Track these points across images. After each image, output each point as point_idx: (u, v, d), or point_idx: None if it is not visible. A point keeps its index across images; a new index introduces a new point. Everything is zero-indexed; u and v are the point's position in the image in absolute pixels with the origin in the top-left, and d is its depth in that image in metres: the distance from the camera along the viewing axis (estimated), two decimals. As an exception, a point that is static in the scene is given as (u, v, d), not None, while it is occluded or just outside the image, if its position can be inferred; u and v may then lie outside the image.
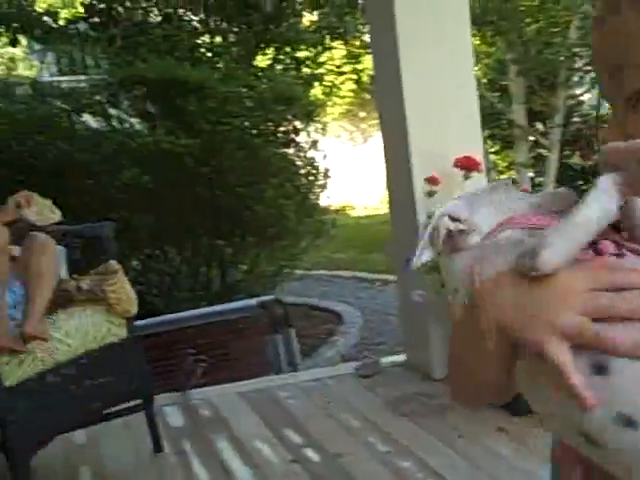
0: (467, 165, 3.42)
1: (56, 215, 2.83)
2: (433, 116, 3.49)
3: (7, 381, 2.39)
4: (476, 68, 10.39)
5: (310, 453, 2.89)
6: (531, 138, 9.79)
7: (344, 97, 14.31)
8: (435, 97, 3.49)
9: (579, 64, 8.98)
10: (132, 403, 2.89)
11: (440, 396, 3.35)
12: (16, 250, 2.71)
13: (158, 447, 2.93)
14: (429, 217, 0.72)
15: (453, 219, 0.74)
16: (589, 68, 8.81)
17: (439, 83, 3.49)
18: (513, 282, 0.66)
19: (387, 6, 3.43)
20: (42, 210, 2.81)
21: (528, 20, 9.63)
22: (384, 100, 3.78)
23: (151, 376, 2.93)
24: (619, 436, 0.61)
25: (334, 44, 9.39)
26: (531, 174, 10.08)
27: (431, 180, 3.43)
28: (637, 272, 0.65)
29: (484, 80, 10.13)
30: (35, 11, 8.57)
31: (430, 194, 3.43)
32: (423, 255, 0.75)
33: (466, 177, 3.42)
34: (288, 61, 8.79)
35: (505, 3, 9.19)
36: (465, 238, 0.74)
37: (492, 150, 10.94)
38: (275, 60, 8.85)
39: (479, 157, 3.50)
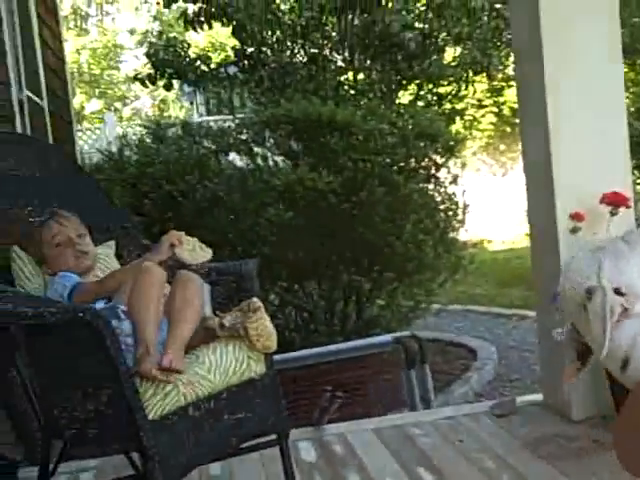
0: (615, 201, 3.32)
1: (207, 253, 2.92)
2: (579, 149, 3.42)
3: (151, 414, 2.48)
4: (624, 97, 10.10)
5: (442, 493, 2.87)
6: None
7: (484, 130, 14.19)
8: (582, 129, 3.43)
9: None
10: (267, 438, 2.95)
11: (579, 439, 3.25)
12: (167, 289, 2.82)
13: (290, 481, 2.98)
14: (588, 293, 0.71)
15: (618, 293, 0.75)
16: None
17: (586, 115, 3.43)
18: None
19: (534, 37, 3.40)
20: (194, 248, 2.90)
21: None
22: (528, 132, 3.74)
23: (286, 412, 2.98)
24: None
25: (476, 78, 9.35)
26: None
27: (575, 216, 3.35)
28: None
29: (632, 109, 9.81)
30: (189, 56, 9.02)
31: (574, 230, 3.36)
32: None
33: (613, 213, 3.33)
34: (429, 97, 8.83)
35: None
36: (631, 308, 0.74)
37: (639, 182, 10.53)
38: (417, 96, 8.91)
39: (628, 192, 3.40)
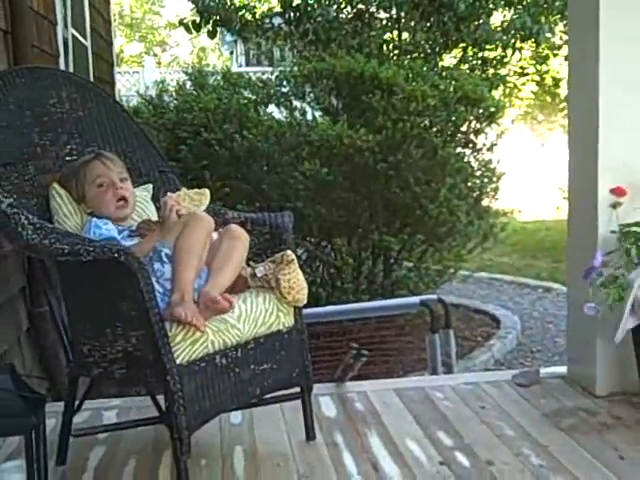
0: (660, 178, 3.29)
1: (205, 197, 2.93)
2: (628, 124, 3.36)
3: (179, 358, 2.51)
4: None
5: (460, 457, 2.88)
6: None
7: (524, 99, 14.01)
8: (633, 104, 3.36)
9: None
10: (290, 390, 2.97)
11: (602, 414, 3.25)
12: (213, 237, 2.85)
13: (311, 436, 3.00)
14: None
15: None
16: None
17: (638, 89, 3.36)
18: None
19: (591, 6, 3.33)
20: (192, 200, 2.92)
21: None
22: (576, 103, 3.66)
23: (311, 366, 3.00)
24: None
25: (523, 45, 9.19)
26: None
27: (617, 191, 3.31)
28: None
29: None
30: (234, 4, 8.95)
31: (615, 206, 3.32)
32: (628, 323, 0.77)
33: (656, 191, 3.29)
34: (474, 61, 8.71)
35: None
36: None
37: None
38: (461, 60, 8.79)
39: (675, 170, 3.35)
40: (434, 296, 4.79)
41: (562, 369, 3.78)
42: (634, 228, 3.26)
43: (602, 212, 3.37)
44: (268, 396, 2.92)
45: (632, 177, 3.31)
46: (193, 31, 9.03)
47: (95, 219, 2.80)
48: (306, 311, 3.10)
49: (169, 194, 2.94)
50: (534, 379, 3.65)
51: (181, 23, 9.13)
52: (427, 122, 5.89)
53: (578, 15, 3.61)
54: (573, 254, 3.70)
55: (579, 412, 3.28)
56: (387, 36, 8.67)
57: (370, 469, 2.79)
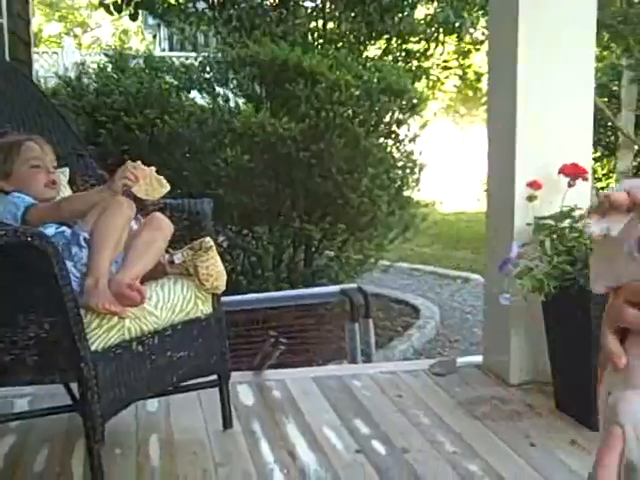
0: (574, 173, 3.36)
1: (164, 188, 2.85)
2: (544, 119, 3.43)
3: (94, 345, 2.46)
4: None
5: (377, 445, 2.91)
6: (636, 147, 9.54)
7: (446, 92, 14.23)
8: (549, 100, 3.43)
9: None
10: (208, 378, 2.95)
11: (514, 402, 3.32)
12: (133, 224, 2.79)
13: (227, 424, 2.99)
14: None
15: None
16: None
17: (555, 86, 3.43)
18: None
19: (511, 3, 3.38)
20: (151, 183, 2.82)
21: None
22: (495, 98, 3.72)
23: (229, 354, 2.98)
24: None
25: (446, 39, 9.31)
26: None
27: (533, 184, 3.39)
28: None
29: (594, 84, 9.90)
30: (157, -13, 8.80)
31: (530, 199, 3.40)
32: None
33: (570, 185, 3.37)
34: (398, 53, 8.77)
35: (629, 7, 8.95)
36: None
37: (593, 156, 10.70)
38: (385, 51, 8.84)
39: (587, 165, 3.43)
40: (354, 285, 4.81)
41: (478, 358, 3.85)
42: (548, 221, 3.33)
43: (518, 205, 3.44)
44: (185, 384, 2.90)
45: (547, 171, 3.39)
46: (114, 13, 8.84)
47: (15, 193, 2.74)
48: (226, 299, 3.09)
49: (134, 163, 2.78)
50: (450, 368, 3.70)
51: (101, 4, 8.92)
52: (350, 112, 5.90)
53: (498, 11, 3.67)
54: (491, 245, 3.77)
55: (493, 400, 3.35)
56: (312, 25, 8.66)
57: (287, 457, 2.79)
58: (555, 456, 2.81)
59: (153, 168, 2.82)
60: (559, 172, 3.38)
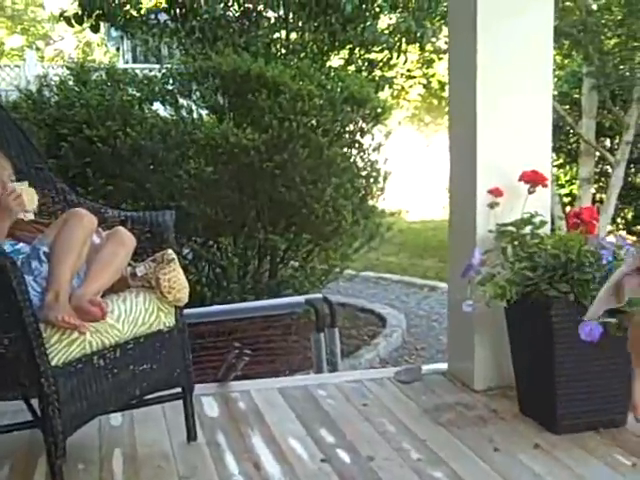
0: (533, 179, 3.40)
1: (33, 195, 2.82)
2: (505, 127, 3.47)
3: (54, 360, 2.44)
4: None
5: (342, 454, 2.91)
6: (597, 154, 9.66)
7: (411, 101, 14.32)
8: (509, 108, 3.47)
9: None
10: (172, 391, 2.94)
11: (479, 408, 3.34)
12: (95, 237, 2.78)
13: (192, 436, 2.97)
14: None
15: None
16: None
17: (515, 94, 3.47)
18: None
19: (470, 12, 3.41)
20: (27, 194, 2.79)
21: (609, 34, 9.49)
22: (456, 106, 3.76)
23: (192, 366, 2.97)
24: None
25: (409, 48, 9.36)
26: (593, 190, 9.93)
27: (494, 192, 3.42)
28: None
29: (555, 92, 10.02)
30: (119, -1, 8.74)
31: (492, 206, 3.43)
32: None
33: (530, 192, 3.41)
34: (361, 62, 8.80)
35: (588, 16, 9.08)
36: None
37: (556, 163, 10.82)
38: (348, 61, 8.87)
39: (546, 172, 3.47)
40: (319, 295, 4.81)
41: (443, 366, 3.87)
42: (510, 227, 3.37)
43: (480, 212, 3.47)
44: (149, 397, 2.88)
45: (509, 178, 3.42)
46: (75, 24, 8.76)
47: None
48: (191, 311, 3.08)
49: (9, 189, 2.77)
50: (416, 376, 3.72)
51: (62, 16, 8.85)
52: (314, 122, 5.91)
53: (457, 21, 3.70)
54: (454, 253, 3.80)
55: (458, 407, 3.36)
56: (275, 36, 8.66)
57: (251, 468, 2.78)
58: (518, 460, 2.83)
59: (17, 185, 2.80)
60: (519, 179, 3.42)
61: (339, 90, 6.16)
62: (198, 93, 6.39)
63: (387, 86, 9.15)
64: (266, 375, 4.24)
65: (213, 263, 6.15)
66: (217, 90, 6.27)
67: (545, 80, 3.56)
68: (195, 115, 6.26)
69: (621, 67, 9.19)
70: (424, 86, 14.04)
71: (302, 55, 8.32)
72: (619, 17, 9.29)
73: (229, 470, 2.77)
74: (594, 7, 9.36)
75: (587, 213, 3.43)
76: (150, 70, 8.00)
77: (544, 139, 3.58)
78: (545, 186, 3.46)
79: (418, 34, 8.77)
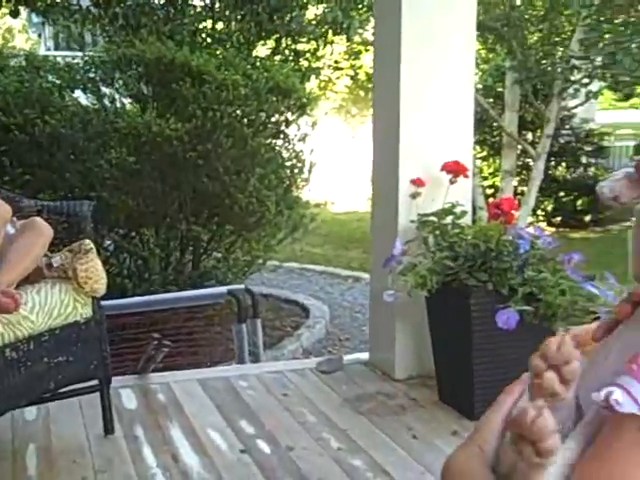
0: (455, 170, 3.44)
1: None
2: (427, 118, 3.50)
3: (-36, 353, 2.37)
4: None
5: (262, 444, 2.90)
6: (519, 147, 9.83)
7: (338, 92, 14.35)
8: (432, 100, 3.50)
9: (576, 76, 8.98)
10: (88, 383, 2.88)
11: (399, 396, 3.37)
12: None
13: (109, 429, 2.92)
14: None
15: None
16: (586, 81, 8.82)
17: (438, 86, 3.50)
18: None
19: (395, 4, 3.42)
20: None
21: (532, 29, 9.65)
22: (380, 97, 3.77)
23: (110, 358, 2.92)
24: None
25: (336, 39, 9.36)
26: (515, 182, 10.12)
27: (416, 182, 3.45)
28: None
29: (479, 85, 10.16)
30: (39, -17, 8.54)
31: (414, 196, 3.45)
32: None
33: (452, 182, 3.45)
34: (287, 53, 8.78)
35: (512, 10, 9.20)
36: None
37: (480, 155, 10.98)
38: (275, 51, 8.84)
39: (468, 163, 3.52)
40: (241, 286, 4.78)
41: (365, 355, 3.89)
42: (431, 217, 3.40)
43: (403, 202, 3.49)
44: (65, 390, 2.82)
45: (431, 169, 3.45)
46: (-7, 9, 8.53)
47: None
48: (111, 302, 3.03)
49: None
50: (337, 366, 3.72)
51: (-21, 0, 8.59)
52: (239, 112, 5.86)
53: (382, 12, 3.73)
54: (376, 243, 3.82)
55: (378, 396, 3.38)
56: (202, 25, 8.57)
57: (170, 461, 2.75)
58: (436, 446, 2.86)
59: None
60: (441, 169, 3.46)
61: (264, 80, 6.11)
62: (121, 81, 6.27)
63: (314, 77, 9.14)
64: (188, 367, 4.20)
65: (135, 254, 6.06)
66: (141, 79, 6.16)
67: (467, 73, 3.60)
68: (118, 104, 6.14)
69: (543, 62, 9.34)
70: (351, 78, 14.07)
71: (228, 45, 8.25)
72: (542, 12, 9.45)
73: (147, 463, 2.73)
74: (518, 2, 9.50)
75: (507, 204, 3.48)
76: (73, 58, 7.83)
77: (466, 130, 3.62)
78: (466, 176, 3.50)
79: (345, 25, 8.78)
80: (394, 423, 3.09)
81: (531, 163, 9.85)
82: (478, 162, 10.70)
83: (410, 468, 2.72)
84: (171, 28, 8.13)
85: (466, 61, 3.58)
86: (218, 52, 7.29)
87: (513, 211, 3.49)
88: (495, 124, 10.32)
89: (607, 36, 8.97)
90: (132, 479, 2.62)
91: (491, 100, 10.33)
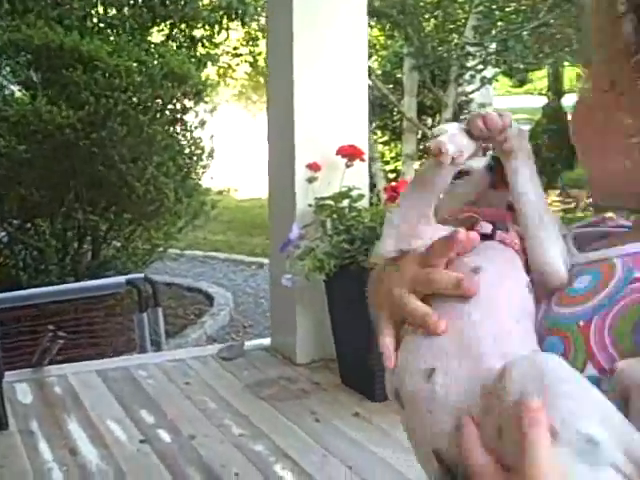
0: (350, 154, 3.46)
1: None
2: (321, 103, 3.51)
3: None
4: (373, 60, 10.56)
5: (162, 434, 2.86)
6: (420, 131, 9.98)
7: (238, 79, 14.26)
8: (325, 84, 3.51)
9: (471, 63, 9.16)
10: (-20, 378, 2.79)
11: (301, 381, 3.38)
12: None
13: (2, 425, 2.84)
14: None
15: None
16: (480, 68, 9.00)
17: (331, 70, 3.51)
18: None
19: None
20: None
21: (427, 16, 9.78)
22: (274, 83, 3.77)
23: (2, 352, 2.83)
24: None
25: (232, 25, 9.28)
26: (416, 166, 10.27)
27: (312, 166, 3.46)
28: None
29: (379, 72, 10.25)
30: None
31: (311, 180, 3.46)
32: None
33: (348, 165, 3.47)
34: (182, 39, 8.66)
35: (407, -3, 9.30)
36: None
37: (381, 140, 11.09)
38: (170, 37, 8.70)
39: (363, 147, 3.54)
40: (141, 275, 4.70)
41: (266, 341, 3.89)
42: (328, 201, 3.41)
43: (299, 187, 3.49)
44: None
45: (327, 153, 3.46)
46: None
47: None
48: (3, 295, 2.93)
49: None
50: (238, 352, 3.71)
51: None
52: (134, 99, 5.75)
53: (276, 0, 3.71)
54: (275, 228, 3.81)
55: (280, 381, 3.39)
56: (93, 11, 8.35)
57: (67, 455, 2.69)
58: (337, 428, 2.88)
59: None
60: (337, 153, 3.47)
61: (159, 66, 6.01)
62: (8, 68, 6.08)
63: (210, 63, 9.04)
64: (89, 358, 4.11)
65: (30, 246, 5.89)
66: (29, 65, 5.98)
67: (360, 56, 3.62)
68: (6, 91, 5.95)
69: (439, 48, 9.49)
70: (250, 64, 13.98)
71: (120, 30, 8.08)
72: (435, 0, 9.59)
73: (43, 458, 2.66)
74: (412, -11, 9.60)
75: (403, 187, 3.52)
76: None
77: (361, 114, 3.64)
78: (363, 160, 3.52)
79: (240, 11, 8.71)
80: (296, 407, 3.10)
81: (432, 147, 9.99)
82: (380, 147, 10.80)
83: (312, 451, 2.73)
84: (60, 13, 7.90)
85: (358, 44, 3.60)
86: (111, 38, 7.14)
87: (410, 193, 3.53)
88: (395, 109, 10.43)
89: (499, 24, 9.17)
90: (28, 474, 2.55)
91: (390, 86, 10.43)
